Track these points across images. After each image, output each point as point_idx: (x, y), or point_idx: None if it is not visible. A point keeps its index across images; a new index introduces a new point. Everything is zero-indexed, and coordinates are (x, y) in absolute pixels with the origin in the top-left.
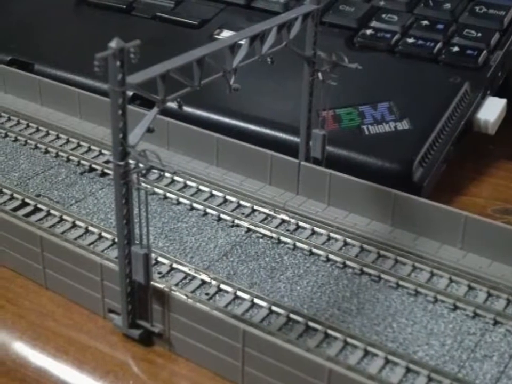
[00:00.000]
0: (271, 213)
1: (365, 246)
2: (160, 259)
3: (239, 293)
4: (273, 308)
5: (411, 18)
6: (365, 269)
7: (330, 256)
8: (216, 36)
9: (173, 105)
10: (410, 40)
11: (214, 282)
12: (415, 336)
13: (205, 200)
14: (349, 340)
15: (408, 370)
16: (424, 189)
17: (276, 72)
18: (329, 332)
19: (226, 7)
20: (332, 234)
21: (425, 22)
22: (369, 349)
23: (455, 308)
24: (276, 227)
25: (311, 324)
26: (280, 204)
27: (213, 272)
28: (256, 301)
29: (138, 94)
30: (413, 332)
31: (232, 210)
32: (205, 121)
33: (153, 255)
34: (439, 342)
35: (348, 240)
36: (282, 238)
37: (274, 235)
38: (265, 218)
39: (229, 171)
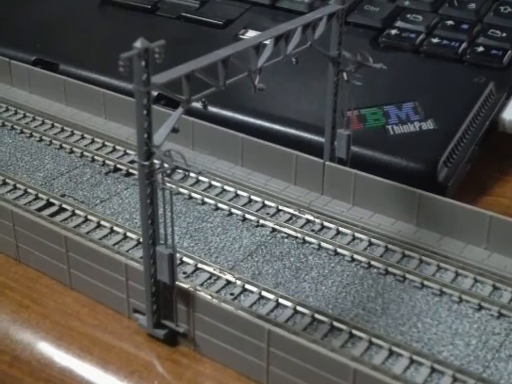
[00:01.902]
0: (296, 213)
1: (390, 246)
2: (185, 259)
3: (264, 293)
4: (298, 308)
5: (436, 18)
6: (390, 269)
7: (355, 256)
8: (241, 36)
9: (197, 105)
10: (435, 40)
11: (238, 282)
12: (439, 336)
13: (230, 200)
14: (373, 339)
15: (433, 370)
16: (449, 189)
17: (300, 72)
18: (354, 332)
19: (251, 7)
20: (356, 234)
21: (450, 22)
22: (394, 349)
23: (480, 308)
24: (301, 227)
25: (336, 324)
26: (305, 204)
27: (237, 272)
28: (281, 301)
29: (163, 94)
30: (437, 332)
31: (257, 210)
32: (230, 121)
33: (178, 255)
34: (463, 342)
35: (373, 240)
36: (307, 238)
37: (299, 235)
38: (290, 218)
39: (254, 171)
